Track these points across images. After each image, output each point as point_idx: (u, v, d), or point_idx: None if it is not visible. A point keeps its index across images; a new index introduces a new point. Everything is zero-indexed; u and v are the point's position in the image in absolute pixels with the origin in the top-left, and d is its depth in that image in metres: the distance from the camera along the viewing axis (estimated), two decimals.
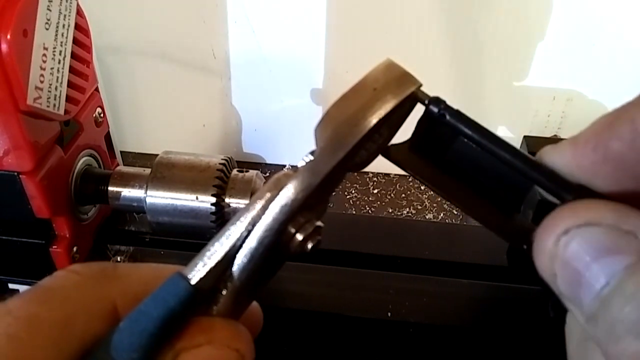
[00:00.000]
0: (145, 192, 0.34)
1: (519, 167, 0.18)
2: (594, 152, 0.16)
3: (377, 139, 0.19)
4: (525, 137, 0.50)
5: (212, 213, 0.33)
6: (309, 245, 0.18)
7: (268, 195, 0.18)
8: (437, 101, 0.19)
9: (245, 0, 0.57)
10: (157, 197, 0.34)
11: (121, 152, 0.68)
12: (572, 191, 0.17)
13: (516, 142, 0.53)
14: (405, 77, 0.19)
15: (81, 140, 0.36)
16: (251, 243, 0.18)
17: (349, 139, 0.18)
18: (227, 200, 0.33)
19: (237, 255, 0.18)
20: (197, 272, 0.17)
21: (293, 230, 0.18)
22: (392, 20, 0.56)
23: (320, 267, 0.39)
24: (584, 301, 0.15)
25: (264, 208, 0.18)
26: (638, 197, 0.16)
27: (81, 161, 0.36)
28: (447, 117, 0.19)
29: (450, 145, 0.19)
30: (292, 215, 0.17)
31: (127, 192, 0.35)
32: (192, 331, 0.17)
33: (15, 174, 0.31)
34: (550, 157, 0.18)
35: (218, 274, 0.18)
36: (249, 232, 0.18)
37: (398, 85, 0.18)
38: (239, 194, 0.33)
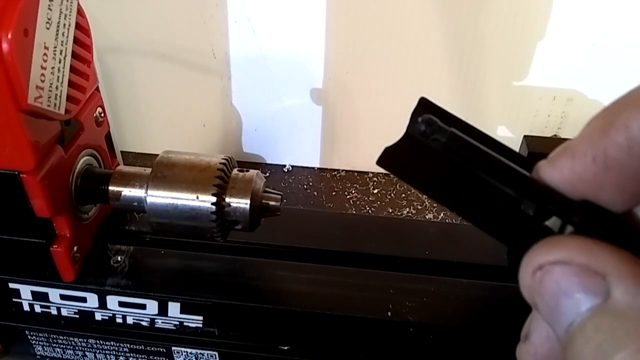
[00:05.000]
0: (146, 192, 0.34)
1: (519, 190, 0.18)
2: (594, 163, 0.16)
3: None
4: (525, 136, 0.50)
5: (212, 212, 0.33)
6: None
7: None
8: (429, 122, 0.18)
9: (245, 0, 0.57)
10: (158, 197, 0.33)
11: (121, 152, 0.69)
12: (578, 211, 0.17)
13: (516, 141, 0.53)
14: None
15: (82, 140, 0.36)
16: None
17: None
18: (227, 199, 0.33)
19: None
20: None
21: None
22: (392, 21, 0.56)
23: (320, 267, 0.39)
24: (557, 332, 0.16)
25: None
26: None
27: (82, 161, 0.36)
28: (442, 140, 0.18)
29: (441, 161, 0.18)
30: None
31: (128, 192, 0.35)
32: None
33: (16, 173, 0.31)
34: (549, 174, 0.17)
35: None
36: None
37: None
38: (240, 194, 0.33)
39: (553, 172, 0.17)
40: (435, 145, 0.18)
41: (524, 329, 0.19)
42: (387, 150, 0.19)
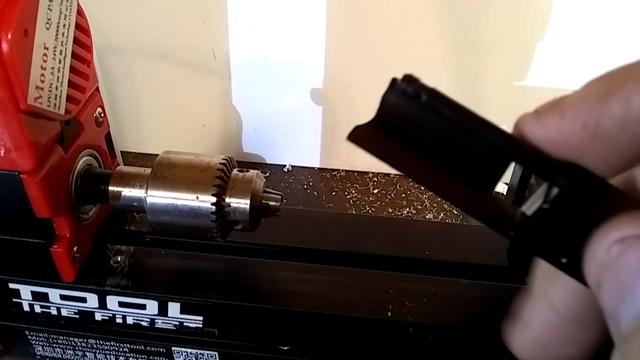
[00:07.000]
0: (146, 192, 0.34)
1: (502, 148, 0.17)
2: (583, 130, 0.15)
3: None
4: None
5: (212, 213, 0.33)
6: None
7: None
8: (410, 80, 0.17)
9: (245, 0, 0.57)
10: (158, 197, 0.34)
11: (121, 152, 0.69)
12: (563, 173, 0.16)
13: None
14: None
15: (82, 140, 0.36)
16: None
17: None
18: (227, 200, 0.33)
19: None
20: None
21: None
22: (392, 21, 0.56)
23: (320, 267, 0.39)
24: (622, 319, 0.14)
25: None
26: (624, 175, 0.16)
27: (81, 161, 0.36)
28: (424, 97, 0.17)
29: (420, 123, 0.17)
30: None
31: (128, 192, 0.35)
32: None
33: (16, 173, 0.31)
34: (533, 129, 0.16)
35: None
36: None
37: None
38: (240, 194, 0.33)
39: (538, 129, 0.16)
40: (415, 105, 0.17)
41: (513, 307, 0.18)
42: (359, 127, 0.18)
